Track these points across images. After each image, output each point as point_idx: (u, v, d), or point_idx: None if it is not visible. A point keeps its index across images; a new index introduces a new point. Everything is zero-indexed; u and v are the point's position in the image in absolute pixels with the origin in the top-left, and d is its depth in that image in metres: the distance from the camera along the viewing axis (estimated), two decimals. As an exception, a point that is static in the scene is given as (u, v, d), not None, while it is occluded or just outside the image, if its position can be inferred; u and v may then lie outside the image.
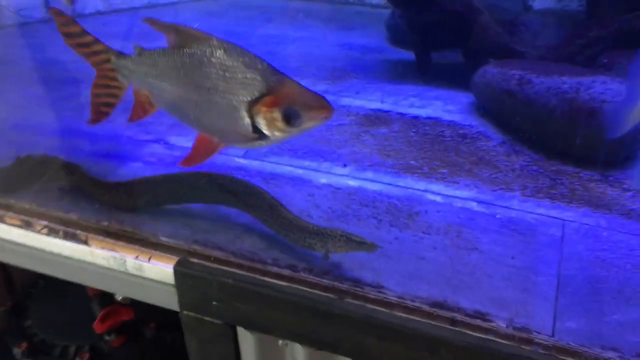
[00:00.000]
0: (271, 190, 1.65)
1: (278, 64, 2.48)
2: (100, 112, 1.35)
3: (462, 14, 2.12)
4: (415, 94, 2.20)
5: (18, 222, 1.53)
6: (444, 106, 2.11)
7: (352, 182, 1.70)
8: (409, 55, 2.52)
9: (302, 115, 1.08)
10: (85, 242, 1.46)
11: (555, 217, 1.56)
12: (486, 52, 2.14)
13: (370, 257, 1.37)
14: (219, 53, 1.11)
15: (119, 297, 2.22)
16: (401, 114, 2.06)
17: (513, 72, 1.90)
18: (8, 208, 1.57)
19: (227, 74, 1.09)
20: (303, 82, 2.33)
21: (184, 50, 1.14)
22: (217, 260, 1.39)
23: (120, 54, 1.27)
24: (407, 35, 2.45)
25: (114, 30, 2.72)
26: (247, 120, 1.10)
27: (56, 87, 2.18)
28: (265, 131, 1.10)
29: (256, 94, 1.09)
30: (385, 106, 2.11)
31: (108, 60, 1.28)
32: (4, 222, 1.54)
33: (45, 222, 1.52)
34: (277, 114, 1.08)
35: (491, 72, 1.96)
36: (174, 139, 1.86)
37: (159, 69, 1.17)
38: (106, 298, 2.22)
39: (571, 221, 1.54)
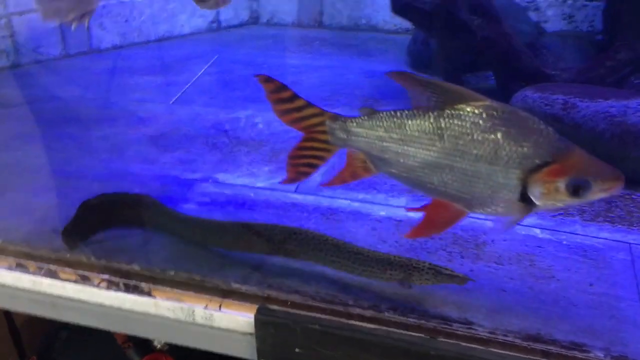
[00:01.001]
0: (333, 226, 1.63)
1: (306, 94, 2.46)
2: (299, 172, 1.27)
3: (493, 38, 2.13)
4: (448, 119, 2.19)
5: (73, 277, 1.47)
6: (481, 131, 2.11)
7: (412, 214, 1.68)
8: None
9: (592, 186, 1.00)
10: (149, 294, 1.42)
11: (620, 241, 1.56)
12: (518, 76, 2.15)
13: (450, 292, 1.35)
14: (497, 116, 1.02)
15: (157, 344, 2.17)
16: (440, 140, 2.05)
17: (556, 97, 1.90)
18: (62, 262, 1.50)
19: (504, 140, 1.01)
20: (337, 112, 2.33)
21: (447, 112, 1.05)
22: (294, 305, 1.35)
23: (337, 117, 1.19)
24: (434, 61, 2.46)
25: (134, 65, 2.69)
26: (518, 189, 1.02)
27: (88, 127, 2.13)
28: (539, 201, 1.02)
29: (537, 162, 1.00)
30: (424, 133, 2.10)
31: (321, 124, 1.21)
32: (57, 277, 1.49)
33: (105, 276, 1.46)
34: (560, 184, 0.99)
35: (532, 96, 1.96)
36: (222, 177, 1.83)
37: (403, 133, 1.10)
38: (143, 346, 2.17)
39: (637, 244, 1.54)
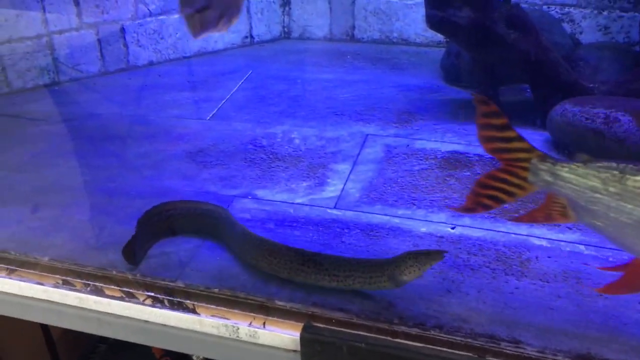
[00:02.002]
0: (373, 242, 1.63)
1: (341, 109, 2.46)
2: (480, 204, 1.20)
3: (530, 52, 2.11)
4: (486, 133, 2.18)
5: (119, 294, 1.49)
6: (519, 145, 2.09)
7: (453, 230, 1.66)
8: (467, 94, 2.51)
9: None
10: (194, 311, 1.42)
11: (668, 258, 1.53)
12: (556, 89, 2.12)
13: (497, 310, 1.34)
14: None
15: (195, 358, 2.18)
16: (479, 155, 2.04)
17: (597, 111, 1.88)
18: (107, 280, 1.52)
19: None
20: (373, 127, 2.30)
21: None
22: (340, 323, 1.35)
23: (546, 158, 1.12)
24: (469, 74, 2.44)
25: (170, 81, 2.73)
26: None
27: (128, 143, 2.15)
28: None
29: None
30: (461, 148, 2.09)
31: (526, 160, 1.13)
32: (102, 294, 1.50)
33: (150, 293, 1.47)
34: None
35: (572, 110, 1.94)
36: (261, 193, 1.83)
37: (624, 188, 1.01)
38: (181, 359, 2.18)
39: (686, 261, 1.51)
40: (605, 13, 2.78)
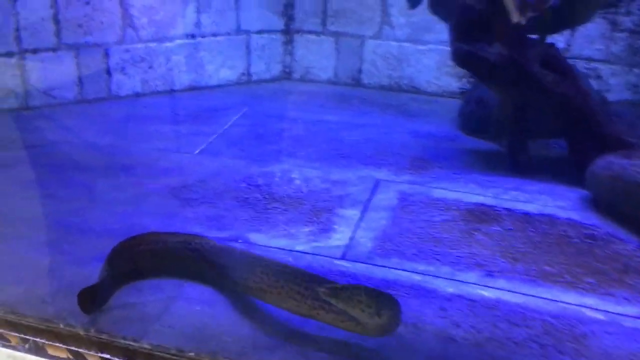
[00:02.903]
0: (391, 303, 1.34)
1: (349, 151, 2.21)
2: None
3: (570, 96, 1.88)
4: (513, 186, 1.93)
5: (64, 354, 1.19)
6: (553, 201, 1.84)
7: (487, 293, 1.39)
8: (488, 145, 2.28)
9: None
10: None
11: None
12: (597, 141, 1.89)
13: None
14: None
15: None
16: (508, 209, 1.78)
17: (650, 164, 1.64)
18: (52, 335, 1.21)
19: None
20: (384, 172, 2.04)
21: None
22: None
23: None
24: (493, 124, 2.22)
25: (157, 113, 2.48)
26: None
27: (101, 175, 1.88)
28: None
29: None
30: (488, 200, 1.83)
31: None
32: (44, 354, 1.20)
33: (105, 355, 1.17)
34: None
35: (619, 163, 1.70)
36: (254, 237, 1.55)
37: None
38: None
39: None
40: (637, 70, 2.60)
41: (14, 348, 1.21)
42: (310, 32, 2.96)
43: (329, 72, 2.98)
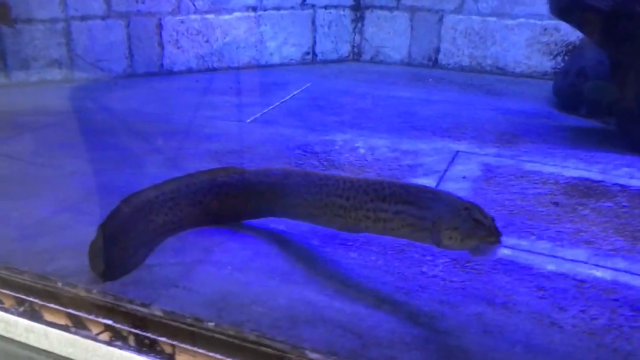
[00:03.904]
0: (471, 277, 1.08)
1: (423, 123, 1.95)
2: None
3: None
4: (625, 163, 1.62)
5: (63, 321, 0.99)
6: (675, 179, 1.51)
7: (598, 273, 1.09)
8: (590, 122, 1.97)
9: None
10: (171, 358, 0.90)
11: None
12: None
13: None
14: None
15: None
16: (621, 185, 1.47)
17: None
18: (49, 297, 1.01)
19: None
20: (465, 144, 1.75)
21: None
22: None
23: None
24: (599, 98, 1.90)
25: (210, 86, 2.30)
26: None
27: (138, 139, 1.71)
28: None
29: None
30: (593, 175, 1.52)
31: None
32: (39, 319, 1.00)
33: (109, 321, 0.96)
34: None
35: None
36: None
37: None
38: None
39: None
40: None
41: (6, 310, 1.02)
42: (382, 7, 2.73)
43: (403, 52, 2.72)
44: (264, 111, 1.98)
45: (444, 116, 1.98)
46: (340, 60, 2.76)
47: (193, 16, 2.42)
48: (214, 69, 2.49)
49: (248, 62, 2.57)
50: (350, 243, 1.16)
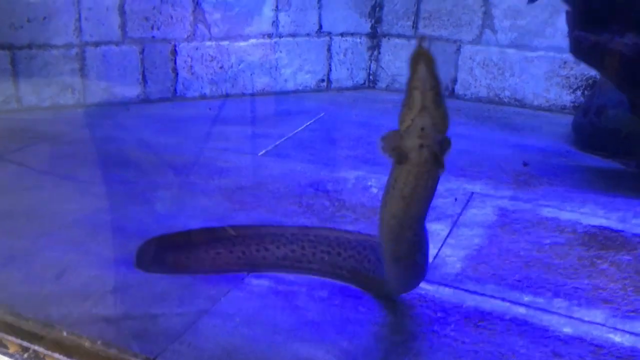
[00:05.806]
0: (484, 339, 1.05)
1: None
2: None
3: None
4: (645, 210, 1.60)
5: None
6: (698, 229, 1.48)
7: (617, 337, 1.06)
8: (608, 163, 1.94)
9: None
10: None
11: None
12: None
13: None
14: None
15: None
16: (641, 235, 1.44)
17: None
18: (52, 345, 1.00)
19: None
20: (480, 185, 1.74)
21: None
22: None
23: None
24: (620, 138, 1.87)
25: (222, 114, 2.30)
26: None
27: (147, 172, 1.72)
28: None
29: None
30: (613, 224, 1.50)
31: None
32: None
33: None
34: None
35: None
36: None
37: None
38: None
39: None
40: None
41: (10, 356, 1.01)
42: (399, 35, 2.72)
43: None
44: (276, 143, 1.97)
45: (459, 153, 1.97)
46: (356, 88, 2.76)
47: (208, 42, 2.42)
48: (227, 95, 2.50)
49: (262, 89, 2.57)
50: (359, 296, 1.15)
